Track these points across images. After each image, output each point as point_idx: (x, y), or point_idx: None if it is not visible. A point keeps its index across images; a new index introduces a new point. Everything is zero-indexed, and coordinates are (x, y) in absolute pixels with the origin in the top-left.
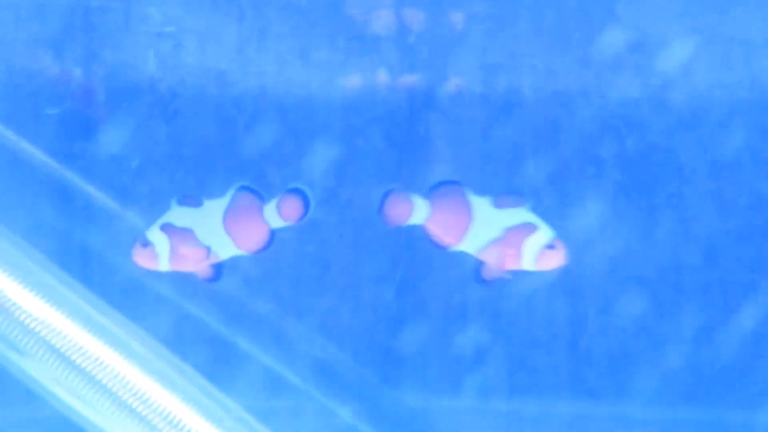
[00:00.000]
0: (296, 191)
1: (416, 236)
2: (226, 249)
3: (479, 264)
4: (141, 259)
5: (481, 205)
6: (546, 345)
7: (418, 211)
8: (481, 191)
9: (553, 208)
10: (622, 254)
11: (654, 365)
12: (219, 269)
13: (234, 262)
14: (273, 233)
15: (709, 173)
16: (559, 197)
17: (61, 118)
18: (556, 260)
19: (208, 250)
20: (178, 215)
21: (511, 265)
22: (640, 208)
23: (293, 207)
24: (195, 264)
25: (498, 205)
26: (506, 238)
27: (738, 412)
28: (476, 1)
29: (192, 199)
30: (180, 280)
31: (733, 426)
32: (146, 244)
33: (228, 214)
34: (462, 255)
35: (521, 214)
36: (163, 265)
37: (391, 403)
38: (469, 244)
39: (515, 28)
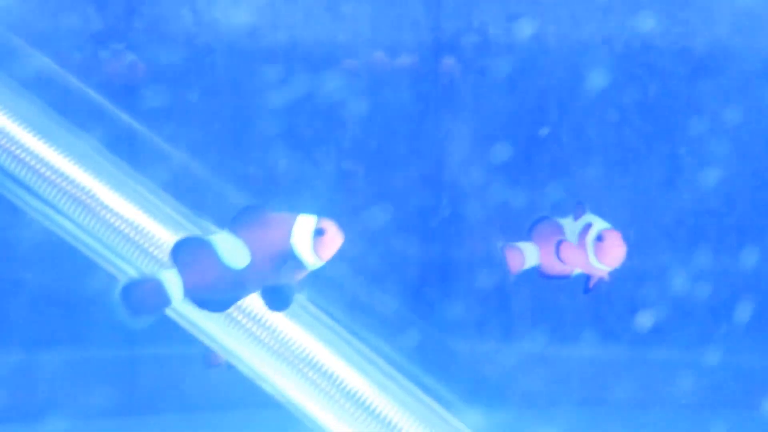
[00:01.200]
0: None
1: (442, 187)
2: None
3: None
4: None
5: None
6: (568, 289)
7: (529, 254)
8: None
9: (576, 154)
10: (642, 199)
11: (672, 308)
12: None
13: None
14: None
15: (729, 120)
16: (583, 143)
17: (102, 73)
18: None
19: None
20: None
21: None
22: (660, 154)
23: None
24: None
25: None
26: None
27: (760, 355)
28: None
29: None
30: None
31: (755, 369)
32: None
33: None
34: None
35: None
36: None
37: (419, 343)
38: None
39: None
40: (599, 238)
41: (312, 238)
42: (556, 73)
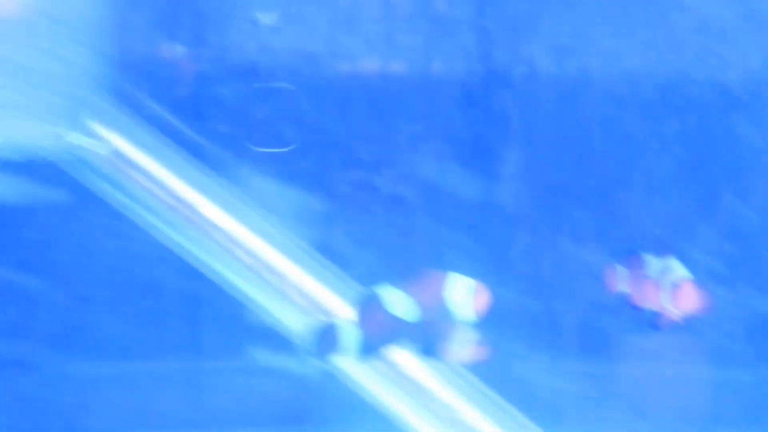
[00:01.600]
0: None
1: (487, 211)
2: None
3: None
4: None
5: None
6: (612, 309)
7: (621, 279)
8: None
9: (619, 179)
10: (682, 222)
11: (712, 328)
12: None
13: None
14: None
15: (763, 148)
16: (625, 169)
17: (172, 99)
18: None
19: None
20: None
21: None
22: (698, 180)
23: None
24: None
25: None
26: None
27: None
28: None
29: None
30: None
31: None
32: None
33: None
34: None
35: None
36: None
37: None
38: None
39: (584, 11)
40: (677, 284)
41: (468, 296)
42: (600, 104)
